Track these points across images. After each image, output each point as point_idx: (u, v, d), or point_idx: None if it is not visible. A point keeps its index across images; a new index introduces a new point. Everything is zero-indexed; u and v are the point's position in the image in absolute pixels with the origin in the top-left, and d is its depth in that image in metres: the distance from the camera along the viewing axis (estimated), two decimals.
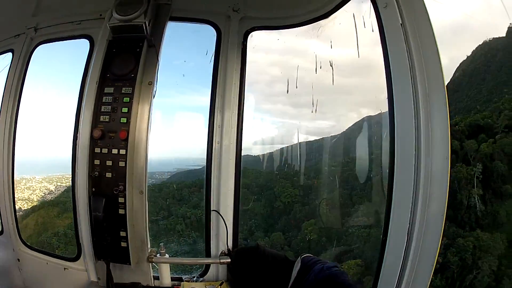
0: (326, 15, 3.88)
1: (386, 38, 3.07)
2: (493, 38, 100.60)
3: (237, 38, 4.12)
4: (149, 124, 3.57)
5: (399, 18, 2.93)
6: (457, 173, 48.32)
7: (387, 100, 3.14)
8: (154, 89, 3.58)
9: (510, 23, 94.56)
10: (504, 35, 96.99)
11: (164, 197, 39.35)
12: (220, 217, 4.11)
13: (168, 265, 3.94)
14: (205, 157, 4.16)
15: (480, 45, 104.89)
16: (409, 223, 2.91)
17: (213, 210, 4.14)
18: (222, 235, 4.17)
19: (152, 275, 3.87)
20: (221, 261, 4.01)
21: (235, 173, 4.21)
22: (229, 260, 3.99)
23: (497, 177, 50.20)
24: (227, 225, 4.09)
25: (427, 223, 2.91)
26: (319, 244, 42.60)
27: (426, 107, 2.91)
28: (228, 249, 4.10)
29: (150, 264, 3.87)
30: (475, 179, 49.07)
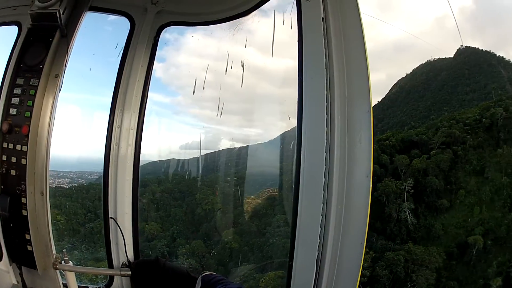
0: (246, 13, 3.91)
1: (303, 36, 2.92)
2: (439, 58, 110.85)
3: (150, 33, 4.15)
4: (52, 119, 3.55)
5: (322, 12, 2.82)
6: (386, 187, 53.47)
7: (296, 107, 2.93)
8: (61, 82, 3.56)
9: (461, 46, 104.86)
10: (451, 56, 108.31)
11: (91, 199, 40.54)
12: (117, 225, 4.12)
13: (73, 273, 3.90)
14: (109, 160, 4.26)
15: (422, 64, 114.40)
16: (320, 239, 2.82)
17: (110, 218, 4.10)
18: (122, 244, 4.20)
19: (61, 282, 3.84)
20: (121, 273, 4.03)
21: (133, 179, 4.20)
22: (130, 272, 4.02)
23: (431, 192, 54.80)
24: (124, 234, 4.08)
25: (344, 238, 2.79)
26: (241, 253, 43.14)
27: (343, 116, 2.77)
28: (129, 261, 4.14)
29: (58, 271, 3.83)
30: (405, 193, 53.65)
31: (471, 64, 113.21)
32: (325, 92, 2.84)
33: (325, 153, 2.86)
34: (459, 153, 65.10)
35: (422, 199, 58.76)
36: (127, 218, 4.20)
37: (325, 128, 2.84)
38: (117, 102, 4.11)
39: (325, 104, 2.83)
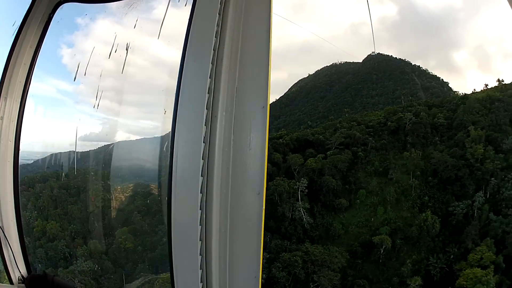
0: None
1: (191, 27, 2.85)
2: (346, 62, 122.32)
3: (46, 9, 4.15)
4: None
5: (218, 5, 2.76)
6: (278, 186, 59.52)
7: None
8: None
9: (372, 52, 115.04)
10: (360, 61, 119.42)
11: None
12: (4, 236, 4.08)
13: None
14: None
15: (327, 66, 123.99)
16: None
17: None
18: (17, 256, 4.27)
19: None
20: None
21: (13, 180, 4.19)
22: None
23: (328, 192, 61.52)
24: (11, 246, 4.13)
25: (238, 234, 2.70)
26: (136, 253, 46.18)
27: (229, 112, 2.69)
28: (22, 275, 4.25)
29: None
30: (299, 192, 59.95)
31: (381, 70, 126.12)
32: (208, 80, 2.65)
33: (202, 161, 2.61)
34: (359, 154, 73.27)
35: (318, 199, 65.40)
36: (13, 228, 4.24)
37: (203, 127, 2.59)
38: (2, 88, 4.14)
39: (206, 96, 2.61)
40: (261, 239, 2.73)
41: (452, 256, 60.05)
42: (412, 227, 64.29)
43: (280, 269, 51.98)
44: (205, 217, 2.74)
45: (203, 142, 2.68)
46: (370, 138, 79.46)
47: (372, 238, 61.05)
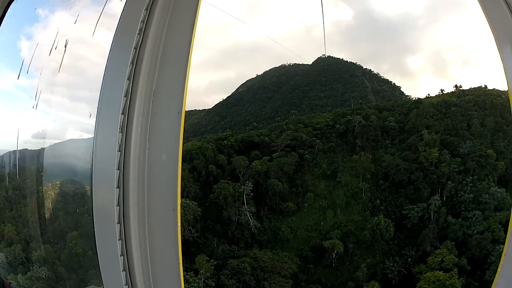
0: None
1: (118, 24, 2.92)
2: (295, 63, 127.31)
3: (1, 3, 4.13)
4: None
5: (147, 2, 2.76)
6: (222, 189, 62.02)
7: None
8: None
9: (323, 55, 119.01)
10: (310, 63, 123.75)
11: None
12: None
13: None
14: None
15: (276, 67, 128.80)
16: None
17: None
18: None
19: None
20: None
21: None
22: None
23: (274, 195, 64.85)
24: None
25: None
26: (88, 259, 43.29)
27: (145, 117, 2.88)
28: None
29: None
30: (244, 196, 62.80)
31: (330, 72, 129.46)
32: (126, 82, 2.80)
33: (117, 171, 2.77)
34: (306, 156, 77.09)
35: (265, 202, 68.84)
36: None
37: (118, 134, 2.73)
38: None
39: (122, 99, 2.78)
40: (179, 253, 3.00)
41: (409, 259, 63.68)
42: (365, 231, 68.13)
43: (229, 276, 53.24)
44: (124, 232, 2.98)
45: (118, 151, 2.82)
46: (318, 141, 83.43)
47: (323, 242, 63.94)
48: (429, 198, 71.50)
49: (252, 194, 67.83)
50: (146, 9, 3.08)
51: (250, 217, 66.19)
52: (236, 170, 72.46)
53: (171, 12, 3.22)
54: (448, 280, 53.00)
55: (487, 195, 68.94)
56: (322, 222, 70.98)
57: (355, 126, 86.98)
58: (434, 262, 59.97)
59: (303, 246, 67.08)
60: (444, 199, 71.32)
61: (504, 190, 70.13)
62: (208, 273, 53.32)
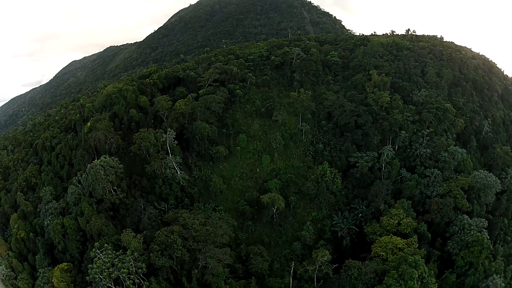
0: None
1: None
2: None
3: None
4: None
5: None
6: (143, 140, 56.20)
7: None
8: None
9: None
10: None
11: None
12: None
13: None
14: None
15: None
16: None
17: None
18: None
19: None
20: None
21: None
22: None
23: (202, 139, 57.98)
24: None
25: None
26: (30, 241, 51.54)
27: None
28: None
29: None
30: (168, 145, 56.64)
31: (267, 2, 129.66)
32: None
33: None
34: (237, 92, 70.11)
35: (192, 148, 62.06)
36: None
37: None
38: None
39: None
40: None
41: (360, 215, 58.92)
42: (308, 182, 61.91)
43: (160, 253, 46.55)
44: None
45: None
46: (250, 74, 76.50)
47: (261, 197, 57.03)
48: (379, 147, 66.57)
49: (176, 142, 60.47)
50: None
51: (177, 169, 59.29)
52: (159, 112, 65.65)
53: None
54: (410, 256, 46.75)
55: (446, 153, 65.11)
56: (258, 169, 64.10)
57: (293, 58, 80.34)
58: (389, 224, 55.14)
59: (238, 199, 60.45)
60: (396, 149, 67.13)
61: (464, 151, 67.03)
62: (136, 253, 46.94)
